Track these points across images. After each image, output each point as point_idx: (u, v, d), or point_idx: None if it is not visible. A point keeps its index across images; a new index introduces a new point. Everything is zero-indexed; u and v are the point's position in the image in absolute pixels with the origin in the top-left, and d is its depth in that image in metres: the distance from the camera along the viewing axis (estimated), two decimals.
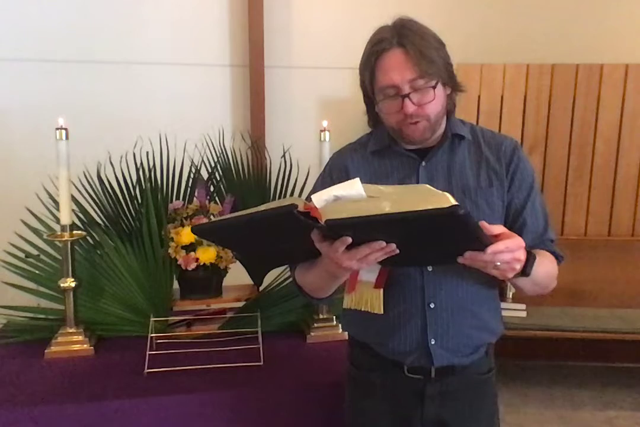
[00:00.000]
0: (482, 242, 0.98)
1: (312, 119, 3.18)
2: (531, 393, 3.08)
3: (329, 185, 1.26)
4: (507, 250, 1.00)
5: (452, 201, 0.88)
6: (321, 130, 1.82)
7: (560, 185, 3.20)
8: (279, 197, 2.03)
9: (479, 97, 3.13)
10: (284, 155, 2.02)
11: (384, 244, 0.99)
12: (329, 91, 3.24)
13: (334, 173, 1.30)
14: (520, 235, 1.21)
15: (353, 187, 0.98)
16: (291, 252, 1.23)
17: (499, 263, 1.00)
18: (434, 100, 1.15)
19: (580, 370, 3.31)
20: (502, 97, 3.14)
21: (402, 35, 1.13)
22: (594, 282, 3.18)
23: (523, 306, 3.00)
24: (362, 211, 0.92)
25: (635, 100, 3.11)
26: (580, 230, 3.22)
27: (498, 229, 1.02)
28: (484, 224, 0.99)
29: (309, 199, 1.02)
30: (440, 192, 0.92)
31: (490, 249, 0.98)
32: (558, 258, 1.26)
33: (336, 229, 0.98)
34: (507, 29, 3.32)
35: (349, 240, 0.99)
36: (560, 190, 3.20)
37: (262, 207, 1.00)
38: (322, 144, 1.83)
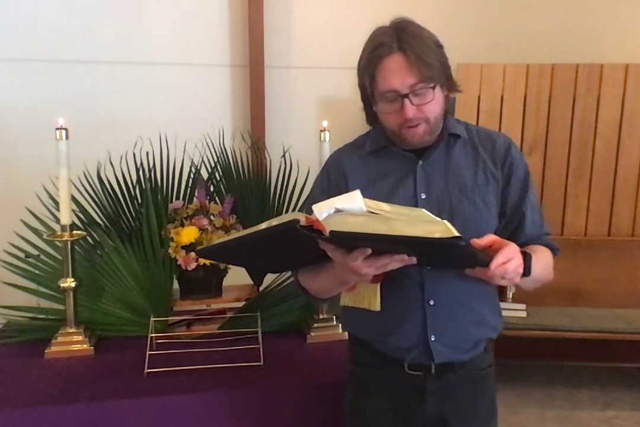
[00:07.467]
0: (483, 260, 1.01)
1: (312, 119, 3.18)
2: (531, 393, 3.08)
3: (328, 187, 1.29)
4: (507, 259, 1.02)
5: (454, 231, 0.91)
6: (321, 130, 1.82)
7: (560, 185, 3.20)
8: (279, 197, 2.02)
9: (479, 97, 3.13)
10: (284, 155, 2.02)
11: (406, 256, 1.02)
12: (329, 91, 3.24)
13: (331, 174, 1.32)
14: (520, 228, 1.26)
15: (354, 201, 1.00)
16: (293, 260, 1.26)
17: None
18: (433, 102, 1.17)
19: (580, 370, 3.31)
20: (502, 97, 3.14)
21: (401, 40, 1.14)
22: (594, 282, 3.18)
23: (523, 306, 3.01)
24: (364, 228, 0.94)
25: (635, 100, 3.11)
26: (580, 230, 3.22)
27: (488, 239, 1.05)
28: (474, 240, 1.03)
29: (309, 211, 1.04)
30: (439, 219, 0.97)
31: (493, 265, 1.01)
32: (554, 251, 1.29)
33: (341, 240, 0.99)
34: (507, 29, 3.32)
35: (369, 251, 1.01)
36: (560, 190, 3.20)
37: (264, 225, 1.01)
38: (322, 144, 1.83)
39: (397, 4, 2.99)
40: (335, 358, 1.71)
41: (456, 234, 0.91)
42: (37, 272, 1.89)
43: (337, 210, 1.00)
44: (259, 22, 3.10)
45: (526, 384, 3.16)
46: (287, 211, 2.04)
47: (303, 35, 3.23)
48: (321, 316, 1.89)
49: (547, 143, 3.18)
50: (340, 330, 1.86)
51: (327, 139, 1.82)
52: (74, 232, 1.76)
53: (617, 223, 3.22)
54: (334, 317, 1.89)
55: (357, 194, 1.01)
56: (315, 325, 1.87)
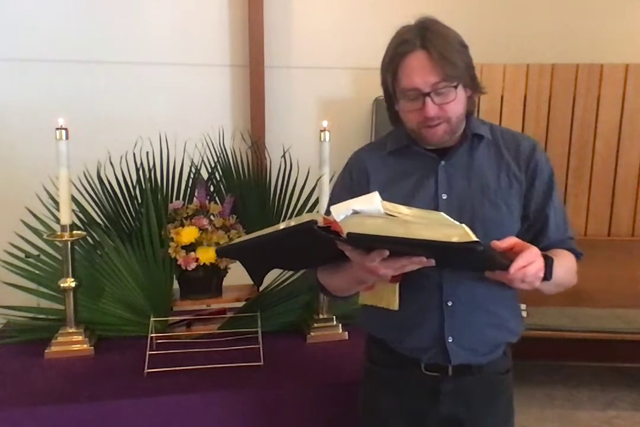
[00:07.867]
0: (503, 263, 1.01)
1: (312, 119, 3.18)
2: (531, 393, 3.08)
3: (350, 185, 1.29)
4: (528, 263, 1.02)
5: (472, 236, 0.91)
6: (321, 130, 1.82)
7: (560, 185, 3.18)
8: (279, 197, 2.02)
9: (479, 97, 3.12)
10: (284, 155, 2.02)
11: (425, 259, 1.02)
12: (329, 91, 3.23)
13: (353, 173, 1.31)
14: (543, 232, 1.26)
15: (372, 203, 1.00)
16: (311, 260, 1.25)
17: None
18: (455, 101, 1.16)
19: (580, 370, 3.31)
20: (502, 97, 3.14)
21: (425, 38, 1.14)
22: (594, 282, 3.17)
23: (523, 306, 2.99)
24: (382, 230, 0.94)
25: (635, 100, 3.11)
26: (580, 230, 3.22)
27: (509, 241, 1.05)
28: (495, 242, 1.02)
29: (327, 212, 1.04)
30: (458, 223, 0.97)
31: (513, 268, 1.01)
32: (577, 255, 1.30)
33: (358, 241, 0.99)
34: (507, 29, 3.32)
35: (387, 252, 1.01)
36: (560, 190, 3.18)
37: (282, 226, 1.02)
38: (322, 144, 1.83)
39: (397, 4, 3.00)
40: (335, 358, 1.71)
41: (474, 238, 0.91)
42: (37, 272, 1.89)
43: (355, 212, 1.00)
44: (259, 22, 3.10)
45: (526, 384, 3.16)
46: (287, 211, 2.04)
47: (303, 35, 3.23)
48: (321, 316, 1.89)
49: (547, 143, 3.18)
50: (340, 330, 1.86)
51: (327, 139, 1.82)
52: (74, 232, 1.76)
53: (617, 223, 3.22)
54: (334, 317, 1.90)
55: (375, 195, 1.01)
56: (315, 325, 1.87)
